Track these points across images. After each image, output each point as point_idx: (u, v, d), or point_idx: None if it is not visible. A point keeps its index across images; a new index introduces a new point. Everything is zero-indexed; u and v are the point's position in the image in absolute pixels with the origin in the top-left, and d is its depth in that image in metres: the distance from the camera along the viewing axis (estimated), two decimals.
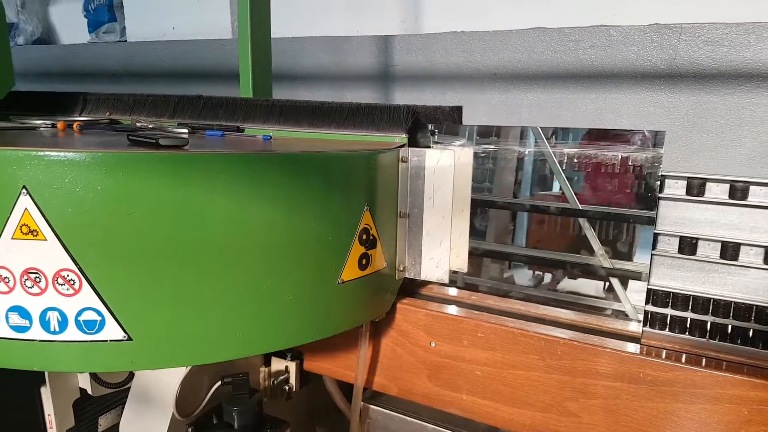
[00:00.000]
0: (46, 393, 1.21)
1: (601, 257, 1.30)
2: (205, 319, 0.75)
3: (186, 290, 0.74)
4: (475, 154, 1.04)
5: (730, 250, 0.83)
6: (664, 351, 0.84)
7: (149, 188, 0.70)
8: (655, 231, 0.88)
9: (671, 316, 0.87)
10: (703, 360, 0.82)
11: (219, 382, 1.05)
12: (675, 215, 0.86)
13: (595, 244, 1.29)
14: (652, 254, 0.89)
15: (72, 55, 2.93)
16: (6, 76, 1.20)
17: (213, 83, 2.44)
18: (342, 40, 2.05)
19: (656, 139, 1.05)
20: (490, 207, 1.45)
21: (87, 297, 0.70)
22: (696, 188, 0.83)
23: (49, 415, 1.22)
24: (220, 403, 1.06)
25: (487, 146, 1.36)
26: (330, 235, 0.84)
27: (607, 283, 1.25)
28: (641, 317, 0.90)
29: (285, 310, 0.80)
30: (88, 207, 0.68)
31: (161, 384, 1.06)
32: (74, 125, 1.09)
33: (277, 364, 1.13)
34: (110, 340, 0.72)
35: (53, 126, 1.09)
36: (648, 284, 0.89)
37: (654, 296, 0.88)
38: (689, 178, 0.84)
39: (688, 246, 0.85)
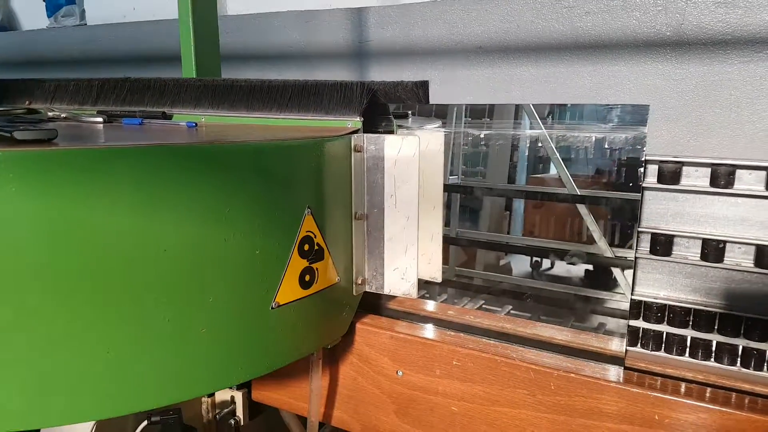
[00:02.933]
0: None
1: (601, 244, 1.15)
2: (82, 365, 0.57)
3: (53, 326, 0.55)
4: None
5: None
6: (683, 384, 0.67)
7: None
8: (639, 228, 0.71)
9: (690, 337, 0.69)
10: (733, 396, 0.65)
11: (145, 422, 0.88)
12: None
13: (595, 231, 1.13)
14: (635, 257, 0.72)
15: (30, 42, 2.73)
16: None
17: (179, 66, 2.24)
18: (312, 14, 1.85)
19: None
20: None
21: None
22: (722, 177, 0.66)
23: None
24: None
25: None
26: (258, 248, 0.66)
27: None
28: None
29: (197, 347, 0.62)
30: None
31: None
32: None
33: (222, 394, 0.96)
34: None
35: None
36: (632, 294, 0.72)
37: (647, 310, 0.71)
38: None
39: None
